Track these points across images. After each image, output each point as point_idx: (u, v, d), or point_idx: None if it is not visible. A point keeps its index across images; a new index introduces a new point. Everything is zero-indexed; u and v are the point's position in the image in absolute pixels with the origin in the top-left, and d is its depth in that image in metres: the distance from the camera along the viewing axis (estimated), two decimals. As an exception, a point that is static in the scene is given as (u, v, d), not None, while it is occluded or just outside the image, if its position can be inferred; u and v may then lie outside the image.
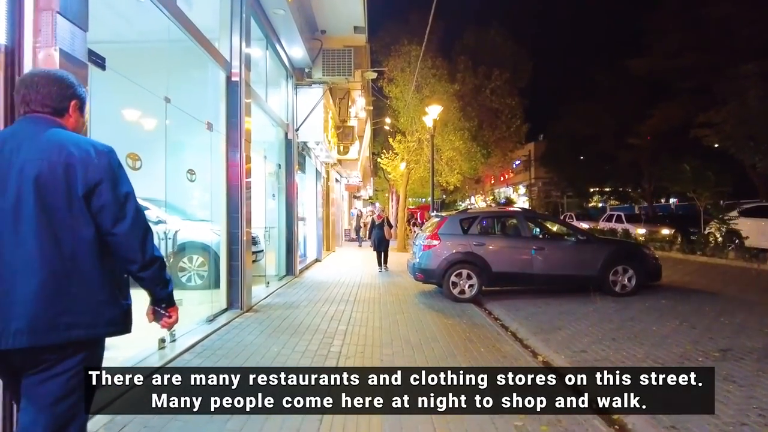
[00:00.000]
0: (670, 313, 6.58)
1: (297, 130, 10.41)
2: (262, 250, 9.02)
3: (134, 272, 1.58)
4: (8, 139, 1.46)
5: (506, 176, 52.07)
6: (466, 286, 7.72)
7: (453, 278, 7.72)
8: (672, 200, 32.21)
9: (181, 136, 6.07)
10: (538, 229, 8.62)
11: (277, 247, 9.81)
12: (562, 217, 23.59)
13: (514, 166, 47.83)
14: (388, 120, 19.64)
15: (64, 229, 1.42)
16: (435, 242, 7.86)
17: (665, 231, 18.03)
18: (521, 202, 43.31)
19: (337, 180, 20.40)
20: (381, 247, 11.67)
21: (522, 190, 49.75)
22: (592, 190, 38.21)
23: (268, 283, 8.57)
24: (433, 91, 14.98)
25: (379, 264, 11.73)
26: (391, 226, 12.45)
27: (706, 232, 15.34)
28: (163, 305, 1.68)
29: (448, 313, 6.79)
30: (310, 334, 5.28)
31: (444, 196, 39.94)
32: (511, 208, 8.68)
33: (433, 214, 10.47)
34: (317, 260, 13.88)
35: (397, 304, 7.44)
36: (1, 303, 1.37)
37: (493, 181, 53.91)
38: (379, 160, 18.74)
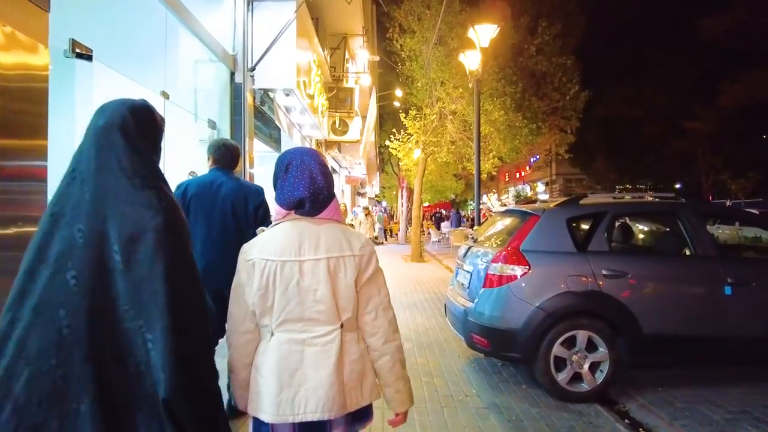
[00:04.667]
0: None
1: (252, 69, 6.19)
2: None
3: None
4: (214, 181, 2.91)
5: (522, 173, 47.79)
6: (587, 366, 3.48)
7: (558, 349, 3.48)
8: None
9: None
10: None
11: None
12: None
13: (532, 161, 43.32)
14: (398, 92, 15.36)
15: (243, 226, 2.88)
16: (518, 269, 3.58)
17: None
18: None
19: (334, 170, 16.20)
20: None
21: (541, 187, 45.33)
22: (625, 186, 33.71)
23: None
24: (462, 44, 10.74)
25: None
26: None
27: None
28: None
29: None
30: None
31: (453, 195, 34.77)
32: (659, 197, 4.09)
33: (501, 209, 5.79)
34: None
35: (437, 415, 3.21)
36: (212, 267, 2.62)
37: (507, 179, 49.46)
38: (387, 142, 14.44)
